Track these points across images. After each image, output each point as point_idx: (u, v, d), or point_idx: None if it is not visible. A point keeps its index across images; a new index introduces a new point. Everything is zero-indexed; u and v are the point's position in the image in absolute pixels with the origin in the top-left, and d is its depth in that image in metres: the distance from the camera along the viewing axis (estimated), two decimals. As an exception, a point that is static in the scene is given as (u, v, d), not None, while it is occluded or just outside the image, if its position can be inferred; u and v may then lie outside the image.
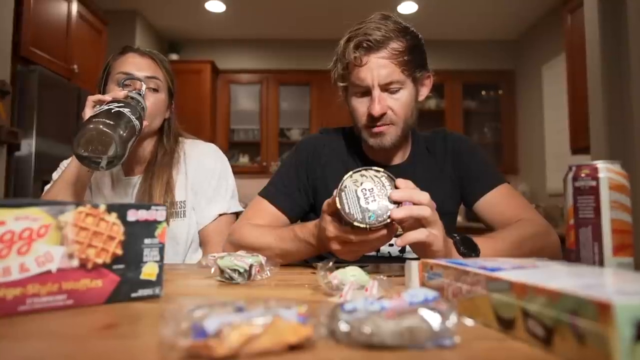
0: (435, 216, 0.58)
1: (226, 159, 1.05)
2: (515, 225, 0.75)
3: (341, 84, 0.83)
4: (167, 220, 0.89)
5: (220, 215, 0.98)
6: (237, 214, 1.01)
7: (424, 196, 0.58)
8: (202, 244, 1.00)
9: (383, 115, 0.78)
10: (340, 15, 3.62)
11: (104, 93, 0.96)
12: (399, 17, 0.83)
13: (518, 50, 3.90)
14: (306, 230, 0.70)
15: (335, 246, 0.60)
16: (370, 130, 0.81)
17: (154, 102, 0.95)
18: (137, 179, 0.99)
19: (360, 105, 0.81)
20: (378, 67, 0.76)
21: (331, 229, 0.59)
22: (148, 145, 1.00)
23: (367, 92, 0.79)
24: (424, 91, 0.86)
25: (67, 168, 0.87)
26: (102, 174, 1.00)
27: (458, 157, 0.89)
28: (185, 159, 1.00)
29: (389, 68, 0.76)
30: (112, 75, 0.95)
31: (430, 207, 0.57)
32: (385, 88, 0.78)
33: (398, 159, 0.90)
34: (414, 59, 0.79)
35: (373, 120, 0.79)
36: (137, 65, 0.95)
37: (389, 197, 0.55)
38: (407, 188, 0.57)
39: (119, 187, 0.99)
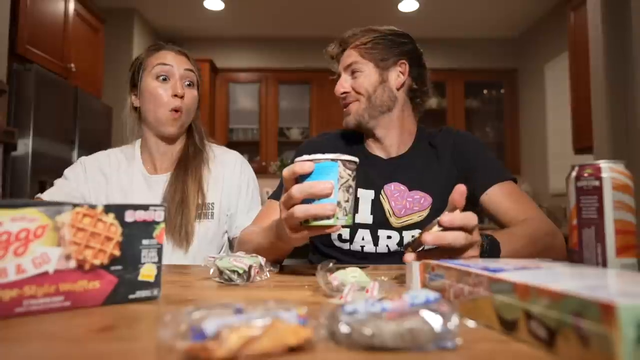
0: (467, 240, 0.51)
1: None
2: (528, 224, 0.76)
3: (332, 78, 0.98)
4: (191, 220, 0.89)
5: None
6: None
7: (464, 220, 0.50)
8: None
9: (345, 94, 0.91)
10: (341, 13, 3.62)
11: (140, 88, 0.97)
12: (391, 26, 0.97)
13: (521, 48, 3.87)
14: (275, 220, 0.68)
15: (282, 214, 0.58)
16: (343, 110, 0.93)
17: (191, 98, 0.97)
18: (165, 177, 0.98)
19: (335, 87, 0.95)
20: (345, 56, 0.93)
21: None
22: (179, 144, 1.01)
23: (338, 77, 0.94)
24: (394, 75, 0.92)
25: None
26: (129, 177, 0.99)
27: (462, 152, 0.90)
28: (215, 162, 1.01)
29: (351, 55, 0.92)
30: (149, 69, 0.96)
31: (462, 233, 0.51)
32: (349, 71, 0.91)
33: (393, 153, 0.94)
34: (378, 47, 0.91)
35: (341, 98, 0.93)
36: (175, 60, 0.97)
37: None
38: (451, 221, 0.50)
39: (148, 187, 0.98)
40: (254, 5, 3.40)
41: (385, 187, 0.89)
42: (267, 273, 0.59)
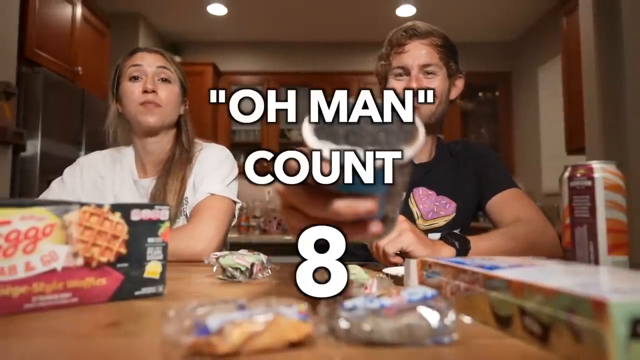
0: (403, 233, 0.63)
1: (234, 160, 1.03)
2: (516, 224, 0.78)
3: (383, 63, 0.91)
4: (171, 220, 0.90)
5: (212, 194, 0.92)
6: (233, 202, 0.97)
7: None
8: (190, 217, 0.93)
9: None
10: (341, 18, 3.63)
11: (118, 93, 0.99)
12: None
13: (515, 52, 3.91)
14: None
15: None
16: None
17: (167, 93, 0.97)
18: (152, 180, 0.99)
19: (398, 84, 0.88)
20: (419, 50, 0.86)
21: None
22: (167, 145, 1.01)
23: (405, 74, 0.88)
24: (455, 92, 0.93)
25: None
26: (120, 180, 1.00)
27: (480, 164, 0.94)
28: (199, 157, 1.01)
29: (428, 53, 0.86)
30: (124, 73, 0.98)
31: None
32: (423, 70, 0.86)
33: (424, 158, 0.95)
34: (450, 54, 0.89)
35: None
36: (147, 59, 0.98)
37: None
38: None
39: (136, 190, 1.00)
40: (255, 10, 3.43)
41: (415, 190, 0.91)
42: (269, 270, 0.60)
